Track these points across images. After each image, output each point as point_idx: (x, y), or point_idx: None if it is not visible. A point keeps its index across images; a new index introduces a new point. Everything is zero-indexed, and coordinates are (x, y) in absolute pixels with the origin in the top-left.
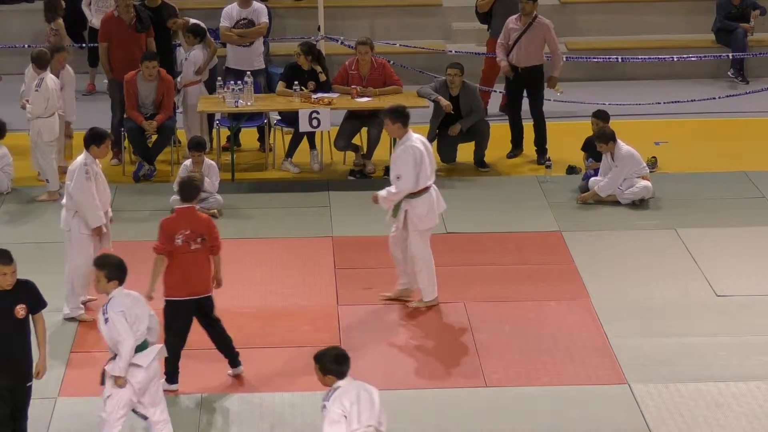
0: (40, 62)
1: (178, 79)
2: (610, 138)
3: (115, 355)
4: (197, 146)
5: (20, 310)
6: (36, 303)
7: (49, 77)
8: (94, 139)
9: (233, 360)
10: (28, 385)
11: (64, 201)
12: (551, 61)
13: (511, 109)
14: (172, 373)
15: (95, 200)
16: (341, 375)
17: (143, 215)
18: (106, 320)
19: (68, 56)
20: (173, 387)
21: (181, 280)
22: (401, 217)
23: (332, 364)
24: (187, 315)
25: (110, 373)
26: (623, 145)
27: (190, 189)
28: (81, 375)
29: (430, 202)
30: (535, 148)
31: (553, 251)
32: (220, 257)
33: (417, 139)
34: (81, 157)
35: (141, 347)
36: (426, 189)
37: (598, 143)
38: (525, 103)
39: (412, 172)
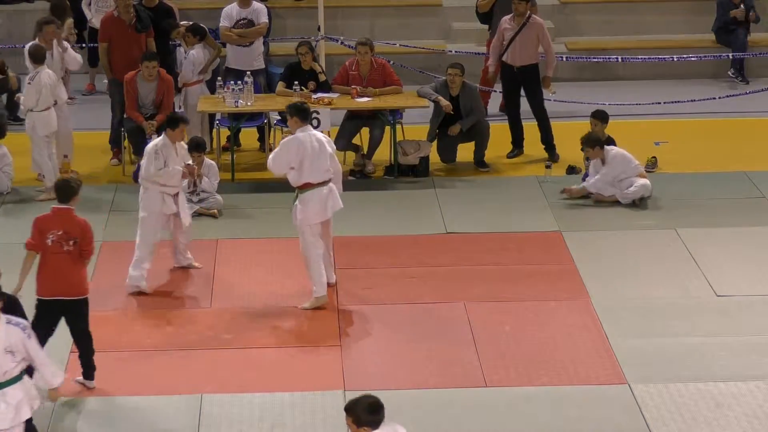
0: (36, 57)
1: (178, 80)
2: (595, 143)
3: None
4: (197, 147)
5: None
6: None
7: (45, 72)
8: (168, 123)
9: (87, 372)
10: None
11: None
12: (545, 60)
13: (509, 109)
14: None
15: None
16: (376, 425)
17: None
18: (30, 336)
19: (59, 30)
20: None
21: (50, 279)
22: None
23: (367, 415)
24: (51, 315)
25: (53, 385)
26: (612, 148)
27: (66, 190)
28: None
29: (317, 199)
30: (543, 146)
31: (553, 251)
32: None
33: (311, 134)
34: (159, 138)
35: None
36: (313, 185)
37: (585, 147)
38: (524, 103)
39: (284, 160)
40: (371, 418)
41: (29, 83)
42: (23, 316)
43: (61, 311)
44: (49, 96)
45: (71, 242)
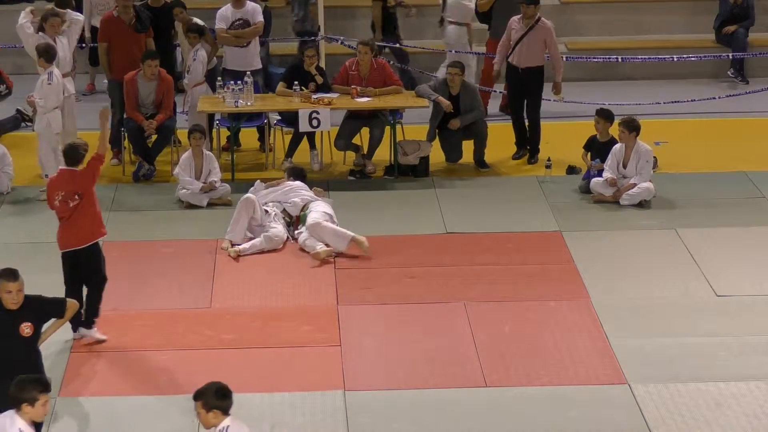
0: (49, 56)
1: (185, 81)
2: (636, 129)
3: None
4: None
5: (25, 329)
6: (45, 319)
7: (57, 70)
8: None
9: (88, 321)
10: None
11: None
12: (552, 66)
13: (513, 110)
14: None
15: None
16: (226, 410)
17: (143, 215)
18: None
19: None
20: (92, 332)
21: (63, 234)
22: None
23: (215, 399)
24: (68, 265)
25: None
26: (644, 144)
27: (74, 154)
28: (81, 375)
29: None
30: (528, 147)
31: (553, 251)
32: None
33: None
34: None
35: None
36: None
37: (624, 129)
38: None
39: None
40: (220, 402)
41: (49, 84)
42: (45, 315)
43: (75, 260)
44: (62, 94)
45: (75, 196)
